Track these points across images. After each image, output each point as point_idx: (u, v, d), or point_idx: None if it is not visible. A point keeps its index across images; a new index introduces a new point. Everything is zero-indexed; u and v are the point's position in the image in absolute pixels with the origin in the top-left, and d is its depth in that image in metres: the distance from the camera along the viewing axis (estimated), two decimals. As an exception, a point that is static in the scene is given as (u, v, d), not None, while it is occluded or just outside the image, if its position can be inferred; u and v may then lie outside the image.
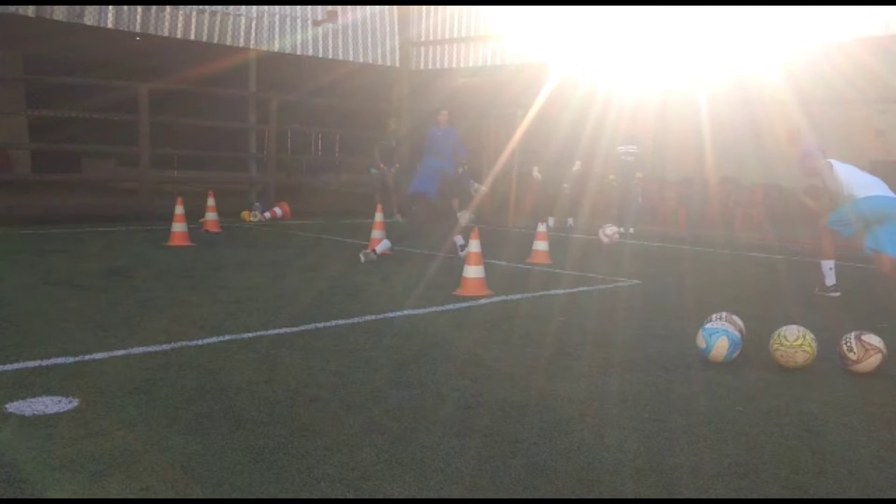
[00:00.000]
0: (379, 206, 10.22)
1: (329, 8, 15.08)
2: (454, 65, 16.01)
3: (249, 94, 14.84)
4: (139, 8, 12.72)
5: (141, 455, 3.14)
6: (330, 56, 15.38)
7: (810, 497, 2.98)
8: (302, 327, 5.47)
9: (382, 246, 8.95)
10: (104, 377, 4.16)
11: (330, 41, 15.30)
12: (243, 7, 13.97)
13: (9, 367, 4.28)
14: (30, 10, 11.66)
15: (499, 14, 14.94)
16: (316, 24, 15.00)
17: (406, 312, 6.12)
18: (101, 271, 7.67)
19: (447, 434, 3.48)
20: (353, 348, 4.94)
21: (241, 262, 8.63)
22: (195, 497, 2.82)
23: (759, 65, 13.04)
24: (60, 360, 4.44)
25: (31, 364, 4.34)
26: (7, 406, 3.65)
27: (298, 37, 14.84)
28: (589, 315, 6.31)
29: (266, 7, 14.29)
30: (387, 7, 16.09)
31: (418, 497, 2.88)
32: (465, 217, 9.86)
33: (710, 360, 4.78)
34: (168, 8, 13.04)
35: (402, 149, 15.54)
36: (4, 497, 2.77)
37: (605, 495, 2.94)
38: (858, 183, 7.19)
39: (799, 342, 4.68)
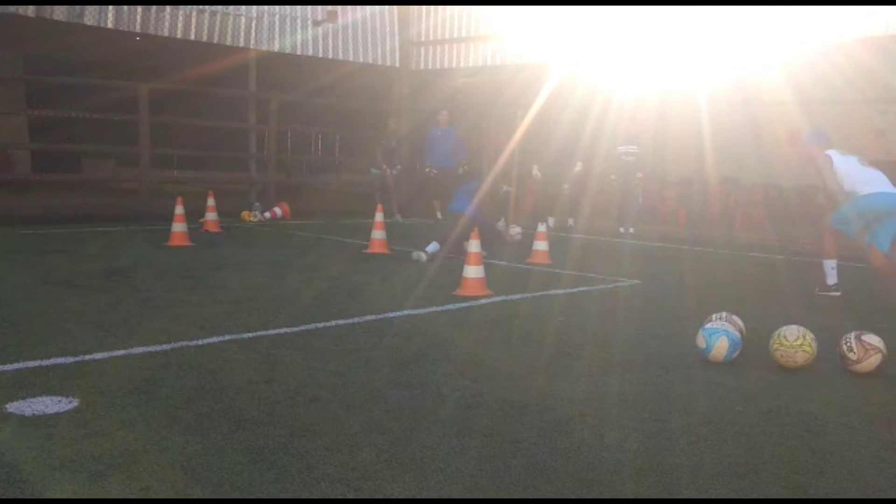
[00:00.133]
0: (379, 207, 10.22)
1: (329, 8, 15.08)
2: (454, 65, 16.01)
3: (249, 94, 14.84)
4: (139, 8, 12.72)
5: (141, 455, 3.14)
6: (330, 56, 15.38)
7: (810, 497, 2.98)
8: (302, 327, 5.47)
9: (432, 247, 9.10)
10: (104, 377, 4.17)
11: (330, 41, 15.30)
12: (243, 7, 13.97)
13: (9, 367, 4.28)
14: (30, 10, 11.66)
15: (499, 14, 14.94)
16: (316, 24, 15.00)
17: (406, 312, 6.12)
18: (101, 271, 7.67)
19: (447, 434, 3.48)
20: (353, 348, 4.94)
21: (241, 262, 8.63)
22: (195, 497, 2.82)
23: (759, 65, 13.03)
24: (60, 360, 4.44)
25: (31, 364, 4.34)
26: (7, 406, 3.65)
27: (298, 37, 14.84)
28: (589, 315, 6.31)
29: (266, 7, 14.29)
30: (387, 7, 16.09)
31: (418, 497, 2.88)
32: (515, 231, 10.19)
33: (710, 360, 4.78)
34: (168, 8, 13.04)
35: (402, 149, 15.55)
36: (4, 497, 2.77)
37: (605, 495, 2.94)
38: (860, 179, 7.15)
39: (799, 342, 4.69)
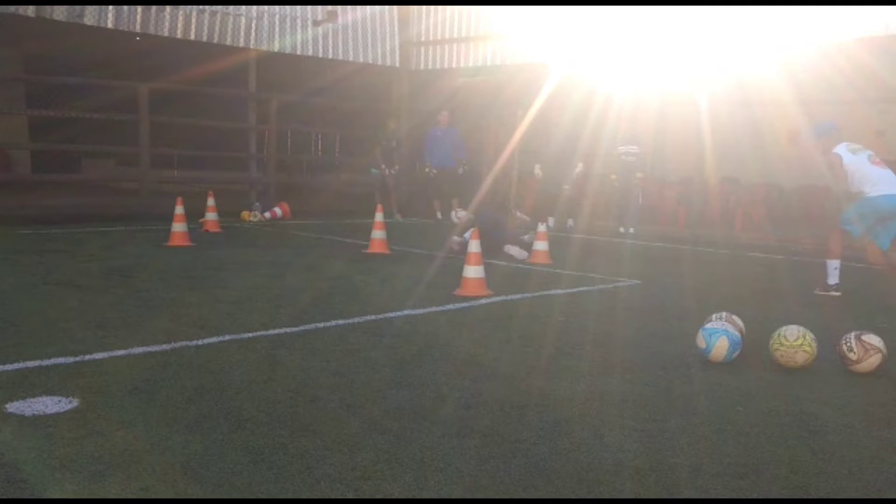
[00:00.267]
0: (379, 207, 10.22)
1: (329, 8, 15.07)
2: (454, 65, 16.00)
3: (249, 94, 14.83)
4: (139, 8, 12.71)
5: (141, 455, 3.14)
6: (330, 56, 15.37)
7: (810, 497, 2.99)
8: (302, 327, 5.47)
9: (517, 252, 9.53)
10: (104, 377, 4.17)
11: (330, 41, 15.30)
12: (243, 7, 13.96)
13: (9, 367, 4.28)
14: (30, 10, 11.65)
15: (499, 14, 14.93)
16: (316, 24, 15.00)
17: (406, 312, 6.12)
18: (101, 271, 7.67)
19: (447, 434, 3.48)
20: (353, 348, 4.94)
21: (241, 262, 8.63)
22: (195, 497, 2.82)
23: (759, 65, 13.03)
24: (60, 360, 4.44)
25: (31, 364, 4.34)
26: (7, 406, 3.65)
27: (298, 37, 14.83)
28: (589, 315, 6.32)
29: (266, 7, 14.28)
30: (387, 7, 16.08)
31: (418, 497, 2.88)
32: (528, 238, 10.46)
33: (710, 360, 4.78)
34: (168, 8, 13.03)
35: (402, 149, 15.55)
36: (4, 497, 2.77)
37: (605, 495, 2.95)
38: (869, 179, 7.11)
39: (799, 342, 4.69)
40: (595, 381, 4.39)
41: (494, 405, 3.90)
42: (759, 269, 9.48)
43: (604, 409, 3.94)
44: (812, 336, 4.74)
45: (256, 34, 14.26)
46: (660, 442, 3.47)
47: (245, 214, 13.35)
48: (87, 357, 4.53)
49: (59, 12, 11.91)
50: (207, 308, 6.05)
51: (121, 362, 4.48)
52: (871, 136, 14.36)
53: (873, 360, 4.65)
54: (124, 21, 12.61)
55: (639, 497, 2.95)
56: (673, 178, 16.15)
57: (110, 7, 12.39)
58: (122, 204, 13.92)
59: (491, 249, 9.51)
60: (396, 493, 2.89)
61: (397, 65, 16.41)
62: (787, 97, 13.75)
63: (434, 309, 6.28)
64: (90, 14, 12.23)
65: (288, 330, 5.39)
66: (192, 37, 13.43)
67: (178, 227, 9.92)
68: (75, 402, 3.73)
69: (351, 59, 15.64)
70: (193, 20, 13.39)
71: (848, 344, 4.70)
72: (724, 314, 5.13)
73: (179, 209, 10.04)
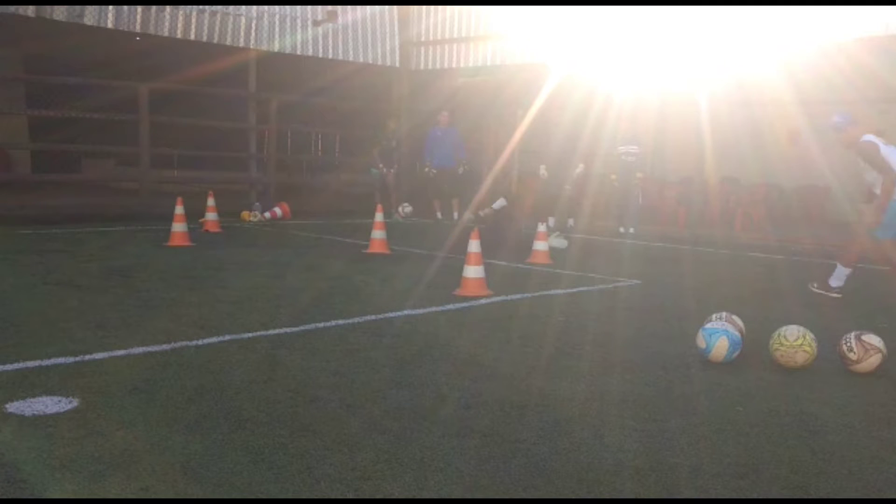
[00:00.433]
0: (379, 207, 10.22)
1: (329, 8, 15.08)
2: (454, 65, 16.01)
3: (249, 94, 14.84)
4: (139, 8, 12.71)
5: (141, 455, 3.14)
6: (330, 56, 15.37)
7: (810, 497, 2.99)
8: (302, 327, 5.47)
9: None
10: (104, 377, 4.17)
11: (330, 41, 15.30)
12: (243, 7, 13.97)
13: (9, 367, 4.28)
14: (30, 10, 11.65)
15: (499, 14, 14.94)
16: (316, 24, 15.00)
17: (406, 312, 6.12)
18: (101, 271, 7.67)
19: (447, 434, 3.48)
20: (353, 348, 4.94)
21: (241, 262, 8.63)
22: (195, 497, 2.82)
23: (759, 65, 13.03)
24: (60, 360, 4.44)
25: (31, 364, 4.34)
26: (7, 406, 3.65)
27: (298, 37, 14.83)
28: (589, 315, 6.32)
29: (266, 7, 14.29)
30: (387, 7, 16.08)
31: (418, 497, 2.88)
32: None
33: (710, 360, 4.78)
34: (168, 8, 13.03)
35: (401, 149, 15.55)
36: (4, 497, 2.78)
37: (605, 495, 2.95)
38: None
39: (799, 342, 4.69)
40: (595, 381, 4.39)
41: (494, 405, 3.90)
42: (759, 269, 9.48)
43: (604, 409, 3.94)
44: (812, 336, 4.74)
45: (256, 34, 14.26)
46: (660, 442, 3.47)
47: (245, 214, 13.35)
48: (87, 357, 4.53)
49: (59, 12, 11.91)
50: (207, 308, 6.05)
51: (121, 362, 4.48)
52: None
53: (873, 360, 4.65)
54: (124, 21, 12.61)
55: (639, 497, 2.95)
56: (673, 178, 16.15)
57: (110, 7, 12.39)
58: (122, 204, 13.92)
59: (501, 246, 9.58)
60: (396, 493, 2.89)
61: (397, 65, 16.41)
62: (787, 97, 13.76)
63: (434, 309, 6.28)
64: (90, 14, 12.23)
65: (288, 330, 5.39)
66: (192, 37, 13.43)
67: (178, 227, 9.92)
68: (75, 402, 3.73)
69: (351, 59, 15.64)
70: (193, 20, 13.39)
71: (848, 344, 4.70)
72: (724, 314, 5.13)
73: (179, 209, 10.04)
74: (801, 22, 11.22)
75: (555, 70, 13.75)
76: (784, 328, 4.81)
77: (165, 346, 4.82)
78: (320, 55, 15.22)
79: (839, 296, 7.29)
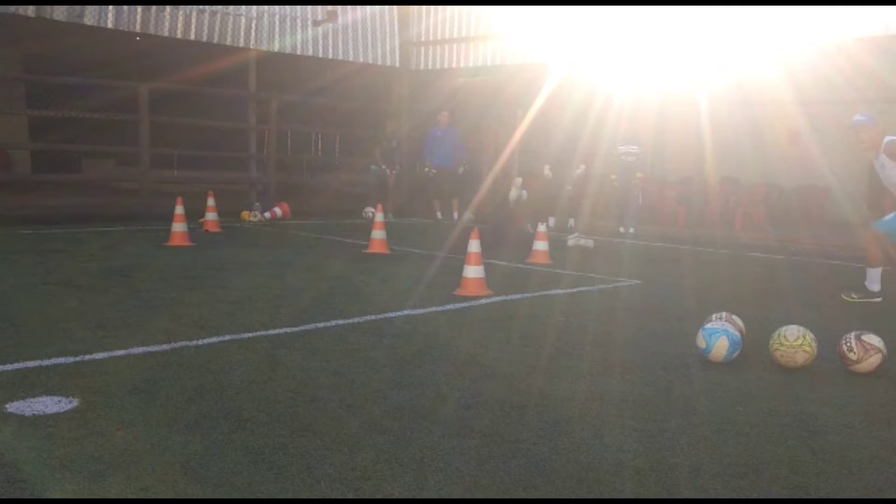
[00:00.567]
0: (379, 207, 10.22)
1: (329, 8, 15.08)
2: (454, 65, 16.01)
3: (249, 94, 14.84)
4: (139, 8, 12.71)
5: (141, 455, 3.14)
6: (330, 56, 15.37)
7: (810, 497, 2.99)
8: (302, 327, 5.47)
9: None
10: (104, 377, 4.17)
11: (330, 41, 15.30)
12: (243, 7, 13.97)
13: (9, 367, 4.28)
14: (30, 10, 11.65)
15: (499, 14, 14.94)
16: (316, 24, 15.00)
17: (406, 312, 6.12)
18: (101, 271, 7.67)
19: (447, 434, 3.48)
20: (353, 348, 4.94)
21: (242, 262, 8.63)
22: (195, 497, 2.82)
23: (759, 65, 13.03)
24: (60, 360, 4.44)
25: (31, 364, 4.34)
26: (7, 406, 3.65)
27: (298, 37, 14.83)
28: (589, 315, 6.31)
29: (266, 7, 14.29)
30: (387, 7, 16.08)
31: (418, 497, 2.88)
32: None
33: (710, 360, 4.78)
34: (168, 8, 13.03)
35: (402, 149, 15.55)
36: (4, 497, 2.77)
37: (605, 495, 2.94)
38: None
39: (799, 342, 4.68)
40: (595, 381, 4.39)
41: (494, 405, 3.90)
42: (759, 269, 9.47)
43: (604, 409, 3.94)
44: (812, 336, 4.74)
45: (256, 34, 14.26)
46: (660, 442, 3.47)
47: (245, 214, 13.35)
48: (87, 357, 4.53)
49: (59, 12, 11.91)
50: (207, 308, 6.05)
51: (121, 362, 4.48)
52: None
53: (873, 360, 4.65)
54: (124, 21, 12.61)
55: (639, 497, 2.95)
56: (673, 178, 16.15)
57: (110, 7, 12.39)
58: (122, 204, 13.92)
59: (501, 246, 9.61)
60: (396, 493, 2.89)
61: (397, 65, 16.41)
62: (787, 97, 13.76)
63: (434, 309, 6.28)
64: (90, 14, 12.23)
65: (288, 330, 5.39)
66: (192, 37, 13.43)
67: (178, 227, 9.92)
68: (75, 402, 3.73)
69: (351, 59, 15.64)
70: (193, 20, 13.39)
71: (848, 344, 4.70)
72: (724, 314, 5.13)
73: (179, 209, 10.04)
74: (801, 22, 11.22)
75: (555, 70, 13.75)
76: (784, 328, 4.81)
77: (165, 346, 4.82)
78: (320, 55, 15.22)
79: (880, 299, 7.06)
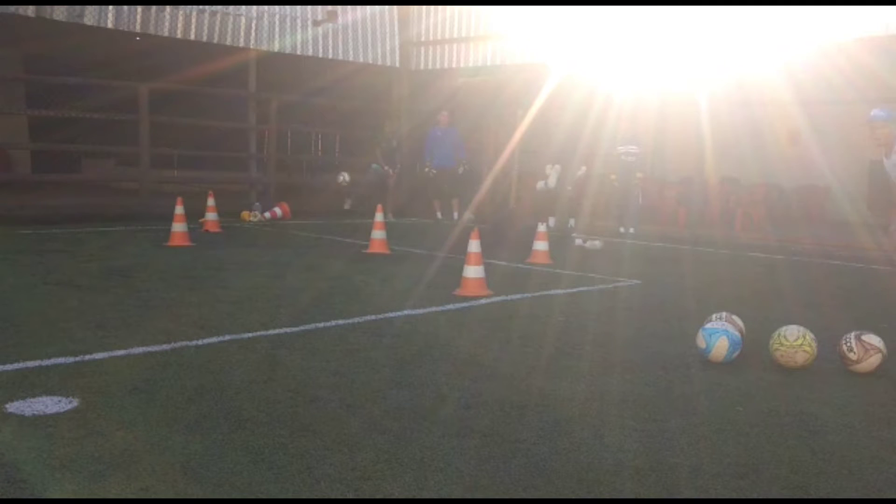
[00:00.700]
0: (379, 207, 10.22)
1: (329, 8, 15.07)
2: (454, 65, 16.01)
3: (249, 94, 14.84)
4: (139, 8, 12.71)
5: (141, 455, 3.14)
6: (330, 56, 15.37)
7: (810, 497, 2.99)
8: (302, 327, 5.47)
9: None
10: (104, 377, 4.17)
11: (330, 41, 15.30)
12: (243, 7, 13.96)
13: (9, 367, 4.28)
14: (30, 10, 11.65)
15: (499, 14, 14.94)
16: (316, 24, 15.00)
17: (406, 312, 6.12)
18: (101, 271, 7.67)
19: (447, 434, 3.48)
20: (353, 348, 4.94)
21: (242, 262, 8.63)
22: (195, 497, 2.82)
23: (759, 65, 13.03)
24: (60, 360, 4.44)
25: (31, 364, 4.34)
26: (7, 406, 3.65)
27: (298, 37, 14.83)
28: (589, 315, 6.31)
29: (266, 7, 14.29)
30: (387, 7, 16.08)
31: (418, 497, 2.88)
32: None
33: (710, 360, 4.78)
34: (168, 8, 13.03)
35: (402, 149, 15.55)
36: (4, 497, 2.77)
37: (605, 495, 2.94)
38: None
39: (799, 342, 4.68)
40: (595, 381, 4.39)
41: (494, 405, 3.90)
42: (759, 269, 9.48)
43: (604, 409, 3.94)
44: (812, 336, 4.74)
45: (256, 34, 14.26)
46: (660, 442, 3.47)
47: (245, 214, 13.35)
48: (87, 357, 4.53)
49: (59, 12, 11.91)
50: (207, 308, 6.05)
51: (121, 362, 4.48)
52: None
53: (873, 360, 4.65)
54: (124, 21, 12.61)
55: (639, 497, 2.95)
56: (673, 178, 16.15)
57: (110, 7, 12.38)
58: (122, 204, 13.92)
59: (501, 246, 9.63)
60: (396, 493, 2.89)
61: (397, 65, 16.41)
62: (787, 97, 13.76)
63: (434, 309, 6.28)
64: (90, 14, 12.23)
65: (288, 330, 5.39)
66: (192, 37, 13.43)
67: (178, 227, 9.92)
68: (75, 402, 3.73)
69: (351, 59, 15.64)
70: (193, 20, 13.39)
71: (848, 344, 4.70)
72: (724, 314, 5.13)
73: (179, 209, 10.04)
74: (801, 22, 11.22)
75: (555, 70, 13.75)
76: (784, 328, 4.81)
77: (165, 346, 4.82)
78: (320, 55, 15.22)
79: None
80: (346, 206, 14.96)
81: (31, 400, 3.74)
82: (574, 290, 7.53)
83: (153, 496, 2.81)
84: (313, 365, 4.53)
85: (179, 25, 13.25)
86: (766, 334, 4.97)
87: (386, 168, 14.65)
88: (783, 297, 7.43)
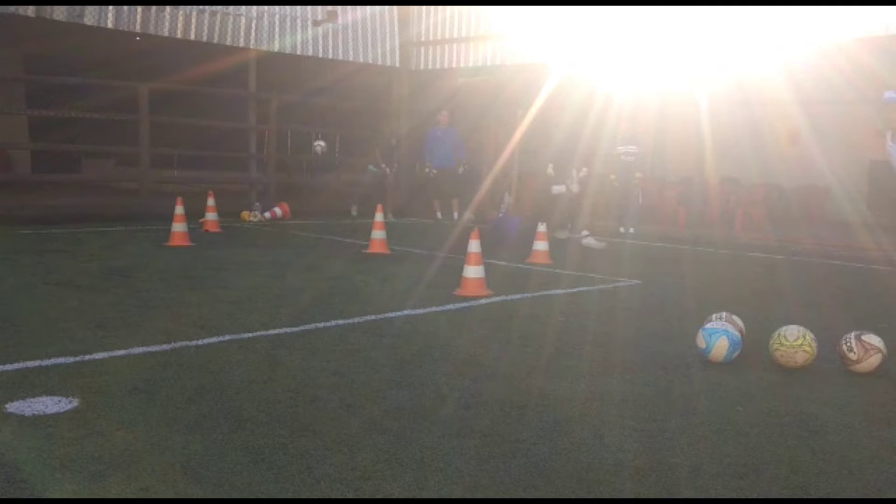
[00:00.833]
0: (379, 207, 10.23)
1: (329, 8, 15.08)
2: (454, 65, 16.01)
3: (249, 94, 14.84)
4: (139, 8, 12.71)
5: (141, 455, 3.14)
6: (330, 56, 15.37)
7: (810, 497, 2.99)
8: (302, 327, 5.47)
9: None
10: (104, 377, 4.16)
11: (330, 41, 15.30)
12: (243, 7, 13.97)
13: (9, 367, 4.28)
14: (30, 10, 11.65)
15: (499, 14, 14.94)
16: (316, 24, 15.00)
17: (406, 312, 6.12)
18: (101, 271, 7.67)
19: (447, 434, 3.48)
20: (353, 348, 4.94)
21: (241, 262, 8.63)
22: (195, 497, 2.82)
23: (759, 65, 13.03)
24: (60, 360, 4.44)
25: (31, 364, 4.34)
26: (7, 406, 3.65)
27: (298, 37, 14.83)
28: (589, 315, 6.31)
29: (266, 7, 14.29)
30: (387, 7, 16.08)
31: (418, 497, 2.88)
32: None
33: (710, 360, 4.78)
34: (168, 8, 13.03)
35: (402, 149, 15.55)
36: (4, 497, 2.77)
37: (605, 495, 2.94)
38: None
39: (799, 342, 4.68)
40: (595, 381, 4.39)
41: (494, 405, 3.90)
42: (759, 269, 9.48)
43: (604, 409, 3.94)
44: (812, 336, 4.74)
45: (256, 34, 14.26)
46: (660, 442, 3.47)
47: (245, 214, 13.36)
48: (87, 357, 4.53)
49: (59, 12, 11.91)
50: (207, 308, 6.05)
51: (121, 362, 4.48)
52: (871, 136, 14.38)
53: (873, 360, 4.65)
54: (124, 21, 12.61)
55: (639, 497, 2.95)
56: (673, 178, 16.15)
57: (110, 7, 12.39)
58: (122, 204, 13.92)
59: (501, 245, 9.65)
60: (396, 493, 2.89)
61: (397, 65, 16.41)
62: (787, 97, 13.77)
63: (434, 309, 6.28)
64: (90, 14, 12.23)
65: (288, 330, 5.39)
66: (192, 37, 13.43)
67: (178, 227, 9.92)
68: (75, 402, 3.73)
69: (351, 59, 15.64)
70: (193, 20, 13.39)
71: (848, 344, 4.70)
72: (724, 314, 5.13)
73: (179, 209, 10.04)
74: (801, 22, 11.22)
75: (555, 70, 13.75)
76: (784, 328, 4.81)
77: (165, 346, 4.82)
78: (320, 55, 15.22)
79: None
80: (353, 213, 14.87)
81: (31, 400, 3.74)
82: (574, 290, 7.53)
83: (153, 496, 2.81)
84: (313, 365, 4.53)
85: (179, 25, 13.25)
86: (766, 334, 4.97)
87: (383, 167, 14.63)
88: (783, 297, 7.43)
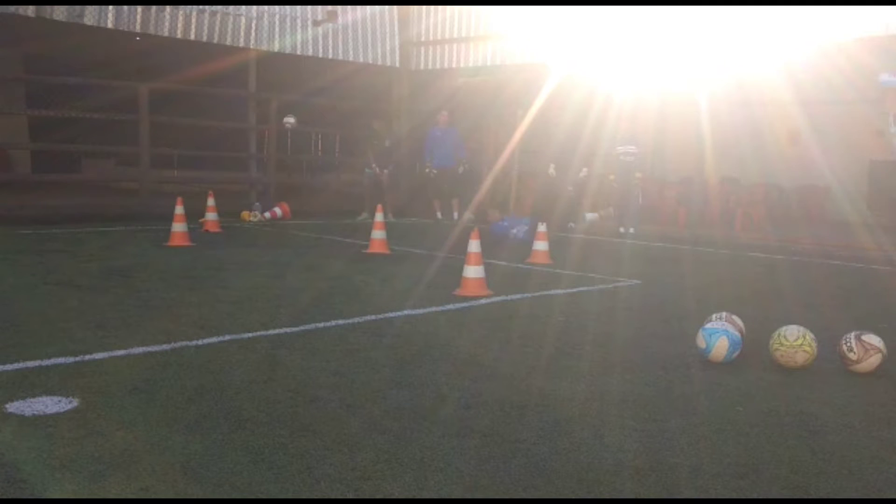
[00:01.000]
0: (379, 207, 10.23)
1: (329, 8, 15.08)
2: (454, 65, 16.01)
3: (249, 94, 14.84)
4: (139, 8, 12.71)
5: (141, 455, 3.14)
6: (330, 56, 15.37)
7: (810, 497, 2.99)
8: (302, 327, 5.47)
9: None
10: (104, 377, 4.17)
11: (330, 41, 15.30)
12: (243, 7, 13.97)
13: (9, 367, 4.28)
14: (30, 10, 11.65)
15: (499, 14, 14.94)
16: (316, 24, 15.00)
17: (406, 312, 6.12)
18: (101, 271, 7.67)
19: (447, 434, 3.48)
20: (353, 348, 4.94)
21: (241, 262, 8.63)
22: (195, 497, 2.82)
23: (759, 65, 13.03)
24: (60, 360, 4.44)
25: (31, 364, 4.34)
26: (7, 406, 3.65)
27: (298, 37, 14.83)
28: (589, 315, 6.31)
29: (266, 7, 14.29)
30: (387, 7, 16.08)
31: (418, 497, 2.88)
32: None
33: (710, 360, 4.78)
34: (168, 8, 13.03)
35: (398, 149, 15.53)
36: (4, 497, 2.77)
37: (605, 495, 2.95)
38: None
39: (799, 342, 4.68)
40: (595, 381, 4.39)
41: (494, 405, 3.90)
42: (759, 269, 9.47)
43: (604, 409, 3.94)
44: (812, 336, 4.74)
45: (256, 34, 14.26)
46: (660, 442, 3.47)
47: (245, 214, 13.35)
48: (87, 357, 4.53)
49: (59, 12, 11.91)
50: (207, 308, 6.05)
51: (121, 362, 4.48)
52: (871, 135, 14.40)
53: (873, 360, 4.65)
54: (124, 21, 12.61)
55: (639, 497, 2.95)
56: (673, 178, 16.15)
57: (110, 7, 12.39)
58: (122, 204, 13.92)
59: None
60: (396, 493, 2.89)
61: (397, 65, 16.41)
62: (787, 97, 13.77)
63: (434, 309, 6.28)
64: (90, 14, 12.23)
65: (288, 330, 5.39)
66: (192, 37, 13.43)
67: (178, 227, 9.92)
68: (75, 402, 3.73)
69: (351, 59, 15.64)
70: (193, 20, 13.39)
71: (848, 344, 4.70)
72: (724, 314, 5.13)
73: (179, 209, 10.04)
74: (801, 22, 11.22)
75: (555, 70, 13.75)
76: (784, 328, 4.81)
77: (165, 346, 4.82)
78: (320, 55, 15.22)
79: None
80: (360, 218, 14.75)
81: (31, 400, 3.74)
82: (574, 290, 7.53)
83: (153, 496, 2.81)
84: (313, 365, 4.53)
85: (179, 25, 13.25)
86: (766, 334, 4.97)
87: (374, 167, 14.56)
88: (783, 297, 7.43)
